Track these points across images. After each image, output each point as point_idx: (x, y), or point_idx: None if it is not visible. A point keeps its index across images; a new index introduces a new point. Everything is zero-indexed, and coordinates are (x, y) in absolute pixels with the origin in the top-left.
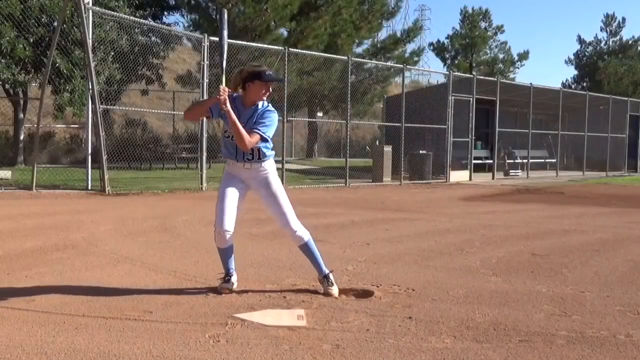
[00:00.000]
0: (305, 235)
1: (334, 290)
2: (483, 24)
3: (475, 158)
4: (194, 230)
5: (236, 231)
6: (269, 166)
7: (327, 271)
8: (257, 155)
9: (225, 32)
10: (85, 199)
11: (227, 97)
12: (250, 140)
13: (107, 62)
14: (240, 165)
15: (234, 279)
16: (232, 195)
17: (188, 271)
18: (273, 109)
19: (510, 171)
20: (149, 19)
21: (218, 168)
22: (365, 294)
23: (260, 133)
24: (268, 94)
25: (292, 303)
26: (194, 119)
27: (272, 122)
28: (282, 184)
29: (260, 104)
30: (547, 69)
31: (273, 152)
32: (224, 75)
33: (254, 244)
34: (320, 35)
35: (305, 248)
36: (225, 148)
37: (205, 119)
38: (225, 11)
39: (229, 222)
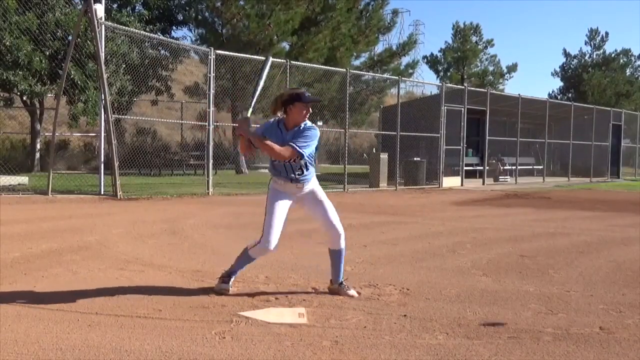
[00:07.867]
0: (343, 242)
1: (351, 292)
2: (474, 38)
3: (467, 165)
4: (201, 233)
5: (239, 235)
6: (314, 179)
7: (342, 280)
8: (305, 174)
9: (265, 73)
10: (98, 204)
11: (244, 127)
12: (281, 150)
13: (118, 74)
14: (293, 185)
15: (231, 282)
16: (281, 212)
17: (195, 272)
18: (314, 126)
19: (500, 177)
20: (159, 34)
21: (224, 174)
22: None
23: (294, 146)
24: (308, 114)
25: (293, 302)
26: (244, 151)
27: (309, 138)
28: None
29: (302, 124)
30: (535, 80)
31: (313, 167)
32: (251, 108)
33: None
34: (320, 49)
35: (337, 254)
36: (275, 169)
37: (212, 129)
38: (270, 59)
39: (275, 240)
